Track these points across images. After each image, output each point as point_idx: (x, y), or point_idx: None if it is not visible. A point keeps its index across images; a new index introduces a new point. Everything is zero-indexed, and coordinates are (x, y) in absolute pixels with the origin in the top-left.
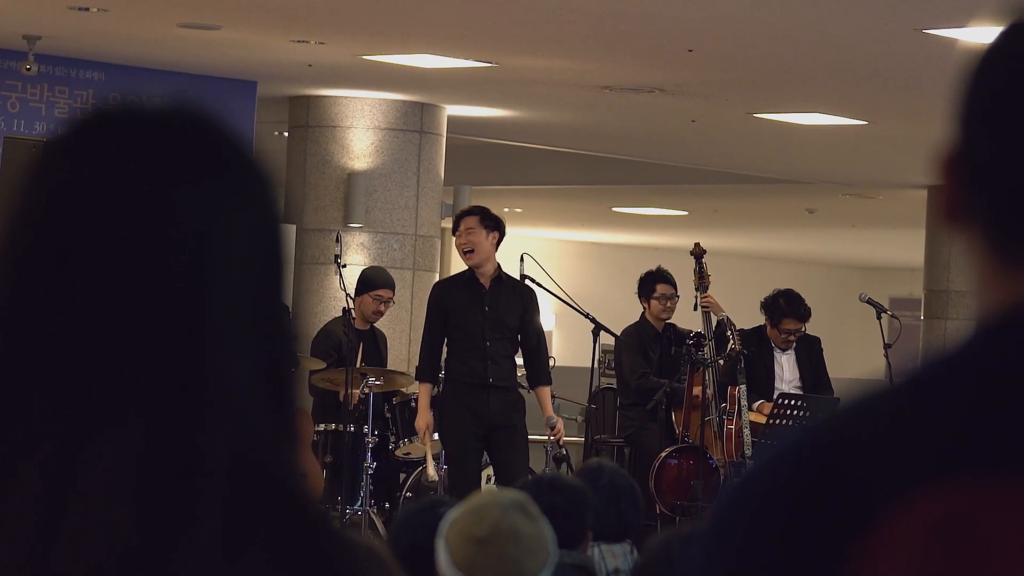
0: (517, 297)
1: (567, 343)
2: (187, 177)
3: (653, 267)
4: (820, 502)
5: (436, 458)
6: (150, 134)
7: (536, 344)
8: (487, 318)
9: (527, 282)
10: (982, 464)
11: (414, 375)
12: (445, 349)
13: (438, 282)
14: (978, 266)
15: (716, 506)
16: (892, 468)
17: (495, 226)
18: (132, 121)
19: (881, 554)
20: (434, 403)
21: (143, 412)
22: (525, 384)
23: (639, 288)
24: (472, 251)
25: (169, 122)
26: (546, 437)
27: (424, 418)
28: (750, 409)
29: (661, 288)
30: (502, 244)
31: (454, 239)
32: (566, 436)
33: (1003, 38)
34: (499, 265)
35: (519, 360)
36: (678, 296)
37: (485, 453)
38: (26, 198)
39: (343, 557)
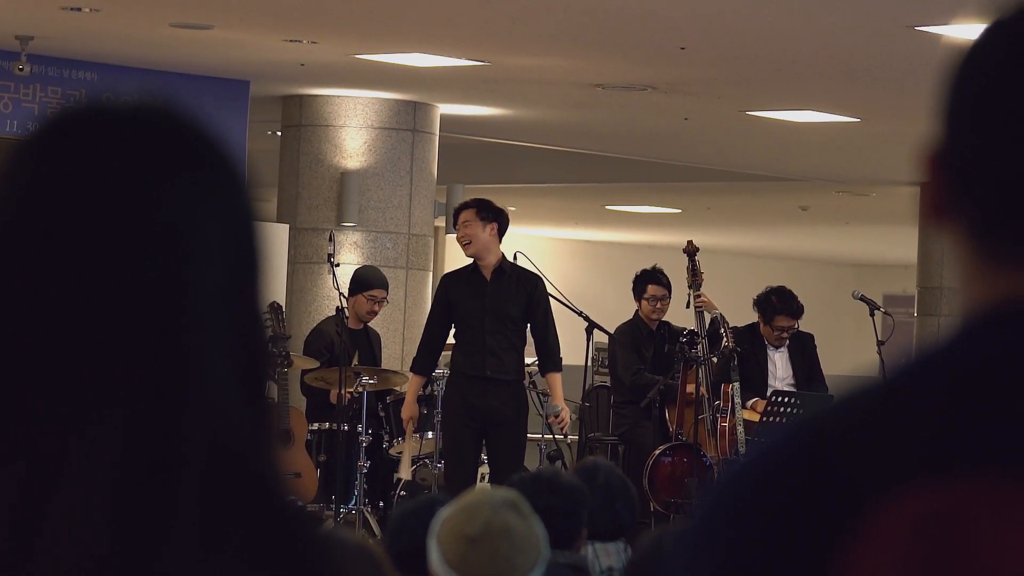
0: (520, 287)
1: (561, 341)
2: (163, 173)
3: (648, 265)
4: (807, 498)
5: (416, 460)
6: (125, 131)
7: (543, 332)
8: (487, 310)
9: None
10: (969, 461)
11: (410, 367)
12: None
13: (445, 274)
14: (964, 262)
15: (703, 502)
16: (879, 464)
17: (493, 217)
18: (106, 118)
19: (868, 550)
20: (427, 400)
21: (123, 409)
22: (530, 381)
23: (633, 287)
24: (469, 243)
25: (143, 119)
26: (540, 436)
27: (409, 410)
28: (744, 407)
29: (652, 289)
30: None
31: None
32: (560, 434)
33: (987, 35)
34: (503, 256)
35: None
36: (669, 297)
37: (484, 449)
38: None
39: (320, 552)
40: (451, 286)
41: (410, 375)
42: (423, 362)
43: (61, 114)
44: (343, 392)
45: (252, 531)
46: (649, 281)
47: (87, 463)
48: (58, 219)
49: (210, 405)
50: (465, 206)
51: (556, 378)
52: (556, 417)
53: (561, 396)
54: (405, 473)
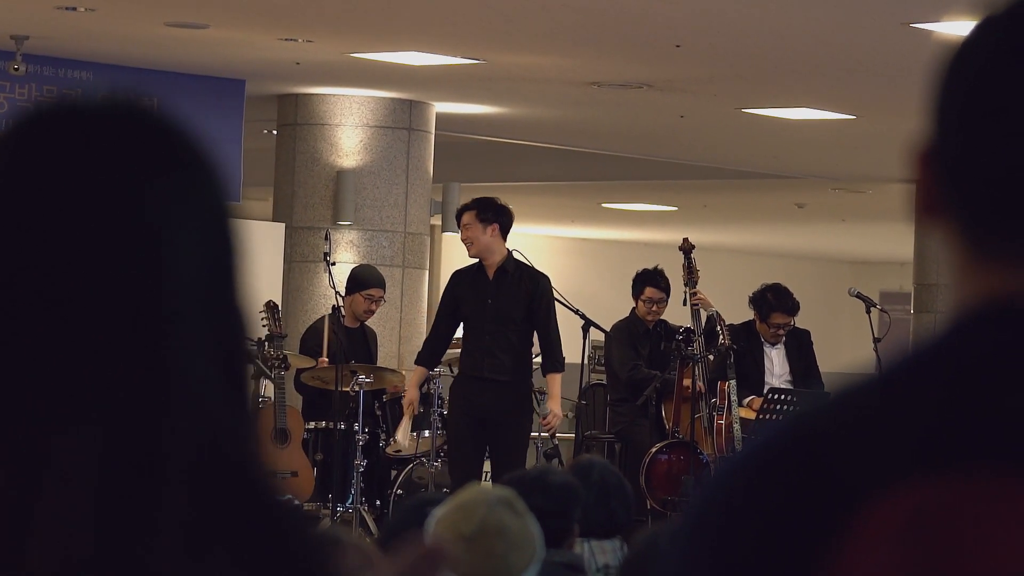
0: (521, 287)
1: None
2: (141, 173)
3: (644, 263)
4: (801, 493)
5: (414, 459)
6: (103, 130)
7: (544, 330)
8: (489, 310)
9: None
10: (963, 457)
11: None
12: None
13: (455, 271)
14: (955, 259)
15: (695, 498)
16: (873, 460)
17: (494, 218)
18: (83, 117)
19: (863, 545)
20: (424, 399)
21: (106, 410)
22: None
23: (632, 285)
24: (472, 245)
25: (121, 118)
26: (537, 434)
27: (410, 394)
28: (740, 404)
29: (649, 292)
30: None
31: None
32: (558, 432)
33: (976, 32)
34: (508, 254)
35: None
36: (667, 300)
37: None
38: None
39: (311, 551)
40: (458, 284)
41: (413, 367)
42: (426, 356)
43: (36, 112)
44: (339, 388)
45: (240, 529)
46: (648, 283)
47: (72, 464)
48: (35, 218)
49: (193, 404)
50: (466, 208)
51: (555, 379)
52: (544, 418)
53: (557, 397)
54: (403, 437)
